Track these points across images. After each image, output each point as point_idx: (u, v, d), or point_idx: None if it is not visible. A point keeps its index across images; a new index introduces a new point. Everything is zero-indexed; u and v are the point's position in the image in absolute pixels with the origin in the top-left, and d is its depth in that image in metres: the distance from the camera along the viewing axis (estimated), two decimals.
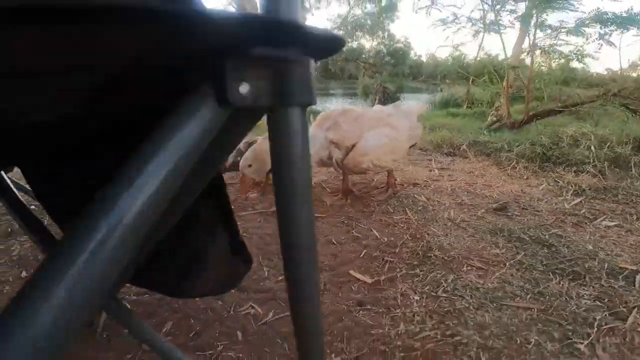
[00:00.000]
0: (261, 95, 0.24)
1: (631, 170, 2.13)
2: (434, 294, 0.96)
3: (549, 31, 4.49)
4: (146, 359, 0.76)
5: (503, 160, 2.46)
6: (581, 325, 0.83)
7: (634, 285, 0.99)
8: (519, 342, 0.76)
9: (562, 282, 0.99)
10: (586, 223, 1.46)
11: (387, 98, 8.94)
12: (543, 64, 5.29)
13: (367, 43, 9.55)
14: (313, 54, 0.26)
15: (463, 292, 0.95)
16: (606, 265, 1.08)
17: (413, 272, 1.08)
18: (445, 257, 1.15)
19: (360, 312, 0.92)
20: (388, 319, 0.88)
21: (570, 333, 0.80)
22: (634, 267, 1.07)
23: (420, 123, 1.78)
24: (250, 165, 1.48)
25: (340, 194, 1.73)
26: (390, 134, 1.54)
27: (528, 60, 4.98)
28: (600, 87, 4.90)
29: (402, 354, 0.76)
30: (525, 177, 2.16)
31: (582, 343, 0.77)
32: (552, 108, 4.72)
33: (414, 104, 1.80)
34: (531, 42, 4.61)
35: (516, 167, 2.33)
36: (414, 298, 0.95)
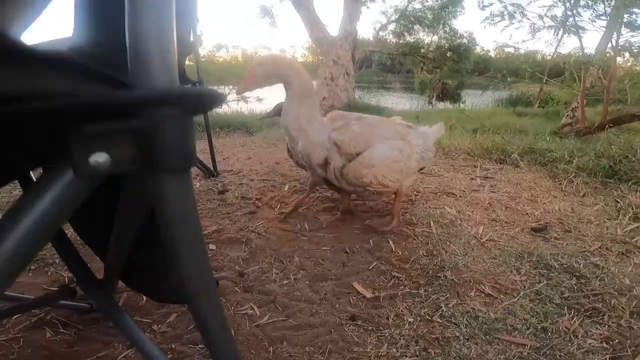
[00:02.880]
0: (124, 161, 0.26)
1: None
2: (429, 318, 0.93)
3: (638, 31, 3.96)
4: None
5: (560, 173, 2.25)
6: None
7: None
8: None
9: (574, 319, 0.91)
10: (635, 253, 1.31)
11: (446, 94, 8.53)
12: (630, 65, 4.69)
13: (427, 37, 9.15)
14: (184, 112, 0.28)
15: (460, 320, 0.92)
16: (636, 303, 0.97)
17: (416, 291, 1.06)
18: (456, 279, 1.11)
19: (351, 326, 0.93)
20: (374, 338, 0.88)
21: None
22: None
23: (434, 147, 1.61)
24: (261, 64, 1.22)
25: (339, 213, 1.57)
26: (404, 149, 1.37)
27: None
28: None
29: None
30: (581, 194, 1.95)
31: None
32: (634, 113, 4.16)
33: (434, 126, 1.66)
34: (615, 41, 4.09)
35: (573, 181, 2.11)
36: (407, 320, 0.94)
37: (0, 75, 0.21)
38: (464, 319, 0.92)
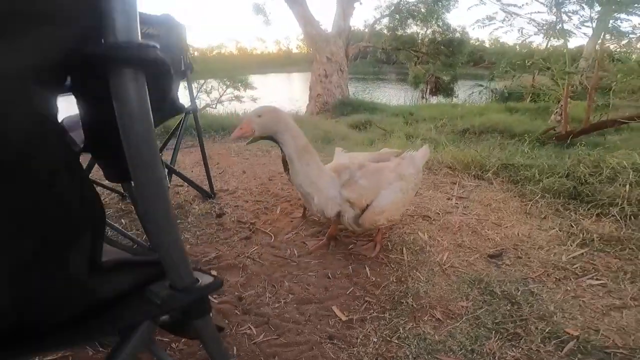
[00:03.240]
0: (175, 317, 0.57)
1: None
2: (389, 339, 1.24)
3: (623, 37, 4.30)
4: None
5: (527, 193, 2.55)
6: None
7: (561, 351, 1.19)
8: None
9: (497, 342, 1.22)
10: (570, 279, 1.61)
11: (440, 88, 8.91)
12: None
13: (421, 31, 9.53)
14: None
15: (411, 341, 1.23)
16: (550, 329, 1.28)
17: (383, 315, 1.36)
18: (415, 305, 1.41)
19: (329, 345, 1.23)
20: (346, 355, 1.19)
21: None
22: (577, 333, 1.26)
23: (422, 169, 1.88)
24: (259, 116, 1.42)
25: (324, 239, 1.84)
26: (403, 187, 1.63)
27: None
28: None
29: None
30: (542, 216, 2.24)
31: None
32: (615, 119, 4.50)
33: (420, 150, 1.94)
34: (597, 47, 4.43)
35: (538, 202, 2.41)
36: (372, 340, 1.24)
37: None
38: (415, 341, 1.23)
